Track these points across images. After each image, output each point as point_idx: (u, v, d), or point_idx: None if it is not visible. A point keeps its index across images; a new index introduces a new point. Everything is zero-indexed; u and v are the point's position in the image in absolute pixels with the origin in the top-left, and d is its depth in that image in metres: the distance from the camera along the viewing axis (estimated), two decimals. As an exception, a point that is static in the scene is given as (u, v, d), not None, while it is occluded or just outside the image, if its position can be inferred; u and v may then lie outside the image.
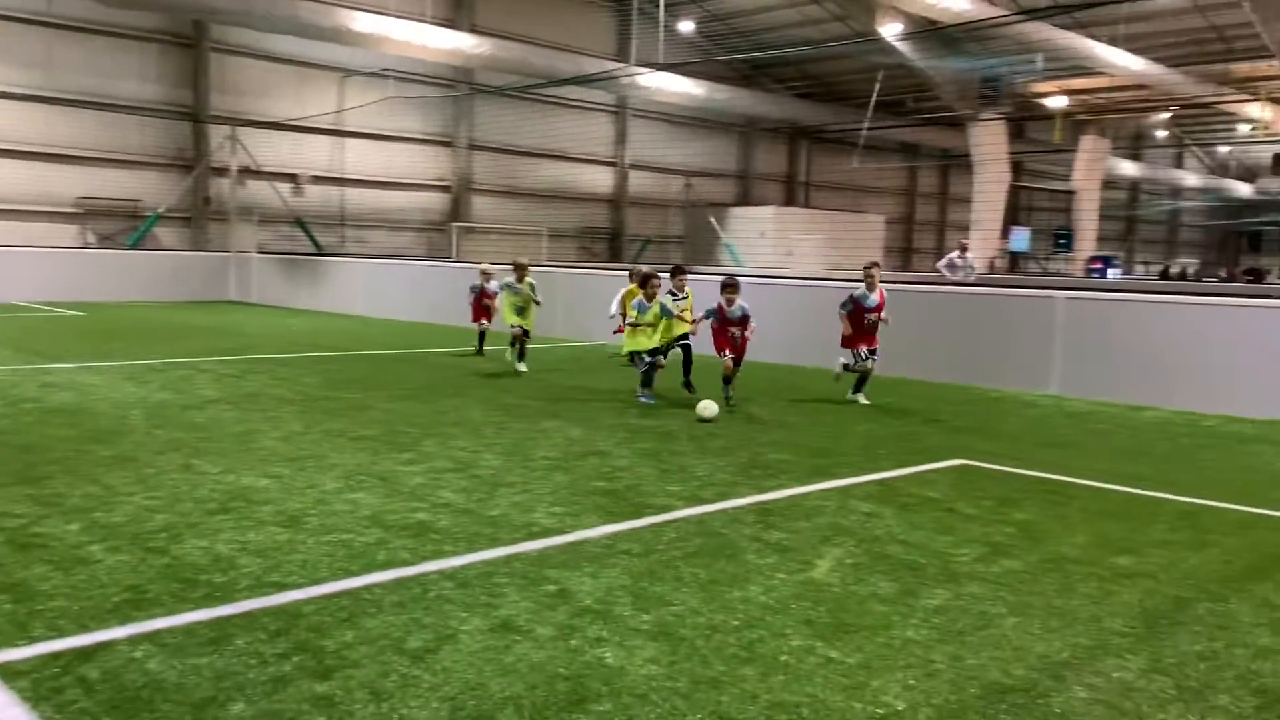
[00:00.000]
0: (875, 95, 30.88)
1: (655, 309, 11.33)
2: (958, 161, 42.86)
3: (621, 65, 32.44)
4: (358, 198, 33.43)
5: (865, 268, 11.83)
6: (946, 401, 12.34)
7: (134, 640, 4.23)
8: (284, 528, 5.92)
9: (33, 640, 4.20)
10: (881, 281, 11.84)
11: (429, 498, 6.73)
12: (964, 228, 38.11)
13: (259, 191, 30.59)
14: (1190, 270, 46.86)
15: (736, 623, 4.65)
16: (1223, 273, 47.73)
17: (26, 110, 26.98)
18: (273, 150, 30.86)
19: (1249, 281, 36.62)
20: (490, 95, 34.21)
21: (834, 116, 40.25)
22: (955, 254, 24.08)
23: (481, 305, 16.12)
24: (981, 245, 35.12)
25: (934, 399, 12.51)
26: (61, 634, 4.28)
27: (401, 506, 6.47)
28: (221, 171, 30.13)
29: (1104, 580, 5.44)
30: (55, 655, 4.07)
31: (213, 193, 30.41)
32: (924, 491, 7.39)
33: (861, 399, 11.66)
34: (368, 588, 4.95)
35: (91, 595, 4.74)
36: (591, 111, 38.38)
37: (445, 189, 35.57)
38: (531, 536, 5.92)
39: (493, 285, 15.68)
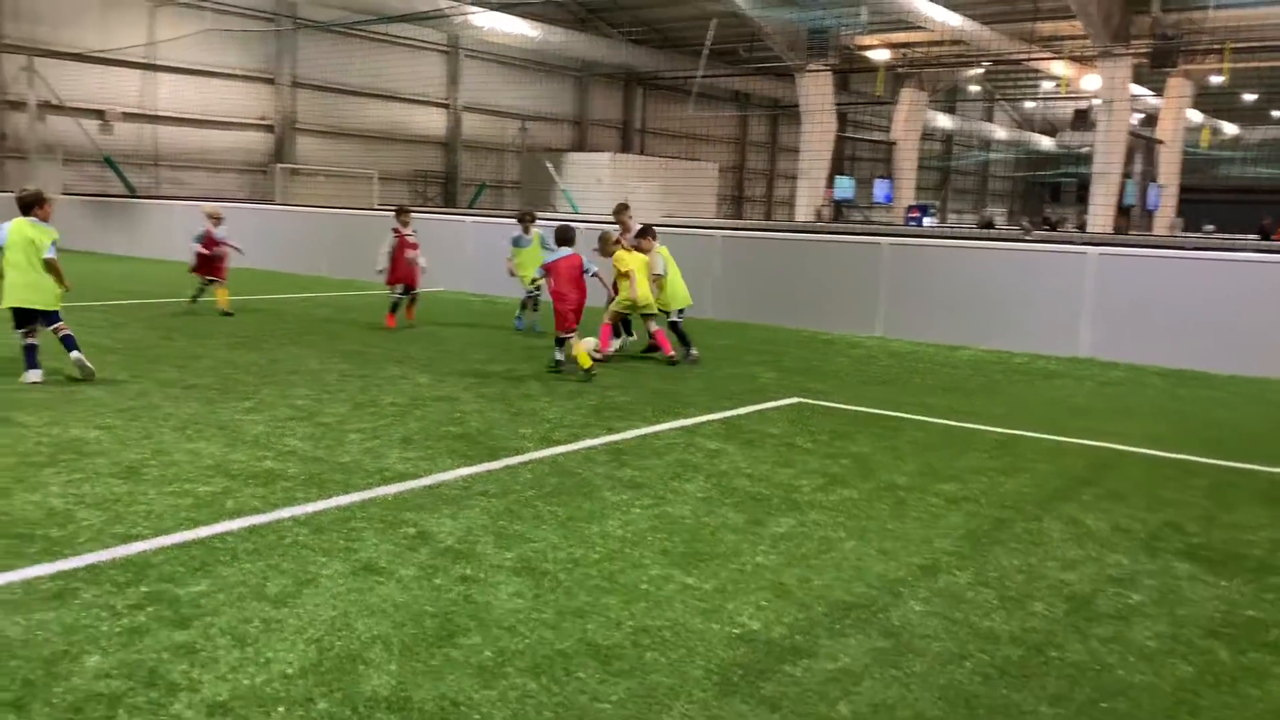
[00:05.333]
0: (708, 43, 31.21)
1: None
2: (787, 111, 43.91)
3: (454, 4, 31.59)
4: (173, 136, 31.49)
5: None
6: (781, 344, 12.81)
7: (-32, 599, 4.02)
8: (122, 479, 5.68)
9: None
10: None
11: (274, 445, 6.58)
12: (792, 177, 39.20)
13: (62, 128, 28.42)
14: (996, 219, 49.72)
15: (597, 555, 4.79)
16: (1025, 222, 50.87)
17: None
18: (77, 84, 28.66)
19: (1045, 230, 39.17)
20: (316, 31, 32.73)
21: (669, 63, 40.47)
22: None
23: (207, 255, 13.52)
24: (809, 194, 36.28)
25: (769, 342, 12.97)
26: (-116, 596, 4.02)
27: (246, 455, 6.30)
28: (18, 106, 27.80)
29: (932, 505, 5.87)
30: (-121, 618, 3.83)
31: (9, 129, 28.05)
32: (764, 428, 7.72)
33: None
34: (219, 536, 4.84)
35: (-88, 555, 4.46)
36: (423, 51, 37.28)
37: (268, 129, 33.95)
38: (385, 481, 5.89)
39: (220, 231, 13.68)
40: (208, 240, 13.43)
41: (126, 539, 4.75)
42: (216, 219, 13.70)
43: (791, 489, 6.07)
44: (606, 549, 4.89)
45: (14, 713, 3.19)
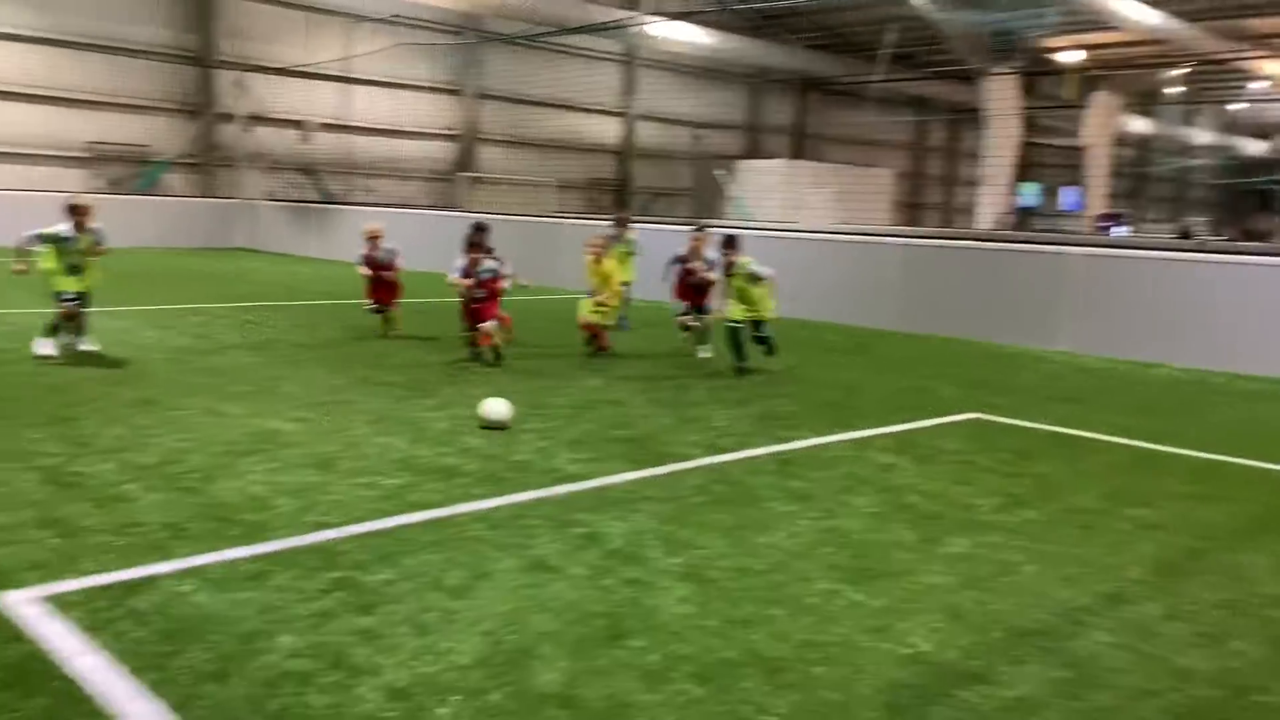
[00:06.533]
0: (887, 48, 30.55)
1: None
2: (968, 116, 42.49)
3: (631, 14, 32.07)
4: (366, 145, 33.23)
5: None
6: (959, 356, 12.41)
7: (178, 575, 4.35)
8: (315, 469, 6.03)
9: (81, 574, 4.32)
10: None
11: (455, 442, 6.83)
12: (973, 183, 37.91)
13: (267, 138, 30.44)
14: (1197, 229, 46.61)
15: (763, 566, 4.76)
16: (1198, 226, 47.43)
17: (32, 52, 26.75)
18: (281, 96, 30.66)
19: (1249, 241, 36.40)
20: (499, 43, 33.87)
21: (845, 69, 39.83)
22: None
23: (378, 280, 12.12)
24: (991, 201, 34.98)
25: (947, 354, 12.58)
26: (108, 568, 4.39)
27: (429, 451, 6.57)
28: (229, 117, 29.96)
29: (1120, 531, 5.55)
30: (104, 588, 4.18)
31: (221, 139, 30.26)
32: (940, 444, 7.49)
33: (702, 352, 11.21)
34: (402, 528, 5.07)
35: (132, 532, 4.86)
36: (600, 61, 37.99)
37: (453, 138, 35.37)
38: (557, 481, 6.02)
39: (382, 252, 12.09)
40: (368, 261, 12.09)
41: (318, 526, 5.03)
42: (372, 237, 12.16)
43: (968, 508, 5.86)
44: (773, 560, 4.85)
45: (216, 683, 3.43)
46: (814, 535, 5.25)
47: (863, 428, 7.92)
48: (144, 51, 28.56)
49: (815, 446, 7.25)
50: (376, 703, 3.34)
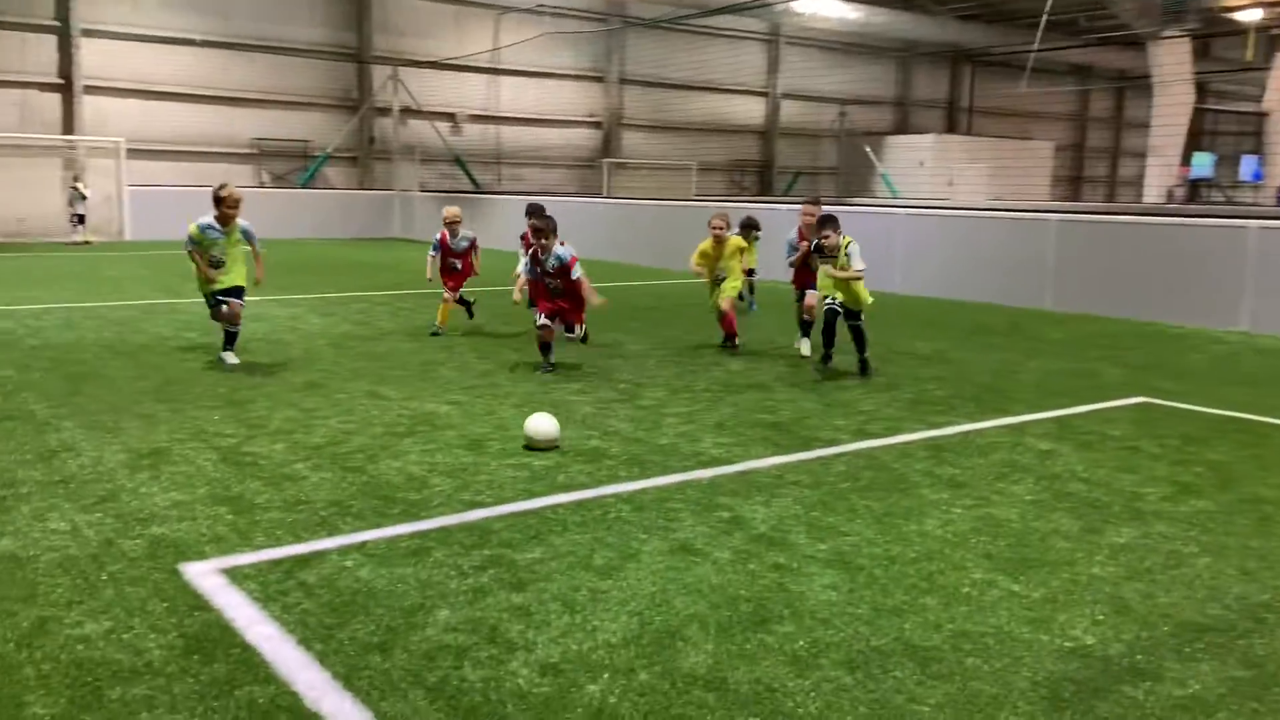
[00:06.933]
0: (1045, 14, 29.15)
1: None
2: (1135, 84, 40.28)
3: (776, -8, 31.66)
4: (513, 135, 33.96)
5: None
6: (1125, 337, 11.81)
7: (343, 550, 4.56)
8: (468, 450, 6.22)
9: (255, 548, 4.58)
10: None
11: (599, 425, 6.92)
12: (1140, 154, 35.91)
13: (420, 130, 31.46)
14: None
15: (914, 554, 4.65)
16: None
17: (206, 56, 28.42)
18: (433, 90, 31.61)
19: None
20: (641, 28, 33.99)
21: (1000, 38, 38.30)
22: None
23: (448, 266, 11.17)
24: (1159, 173, 33.06)
25: (1112, 335, 12.00)
26: (279, 543, 4.65)
27: (575, 434, 6.68)
28: (384, 111, 31.08)
29: (1306, 523, 5.18)
30: (276, 562, 4.43)
31: (376, 132, 31.44)
32: (1104, 429, 7.15)
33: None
34: (551, 508, 5.17)
35: (301, 509, 5.12)
36: (743, 40, 37.69)
37: (596, 125, 35.74)
38: (701, 465, 6.03)
39: (459, 240, 11.14)
40: (443, 249, 11.12)
41: (472, 505, 5.19)
42: (450, 223, 11.17)
43: (1134, 497, 5.58)
44: (925, 548, 4.73)
45: (379, 654, 3.58)
46: (968, 523, 5.09)
47: (1019, 413, 7.64)
48: (305, 50, 29.93)
49: (969, 432, 7.03)
50: (528, 678, 3.42)
